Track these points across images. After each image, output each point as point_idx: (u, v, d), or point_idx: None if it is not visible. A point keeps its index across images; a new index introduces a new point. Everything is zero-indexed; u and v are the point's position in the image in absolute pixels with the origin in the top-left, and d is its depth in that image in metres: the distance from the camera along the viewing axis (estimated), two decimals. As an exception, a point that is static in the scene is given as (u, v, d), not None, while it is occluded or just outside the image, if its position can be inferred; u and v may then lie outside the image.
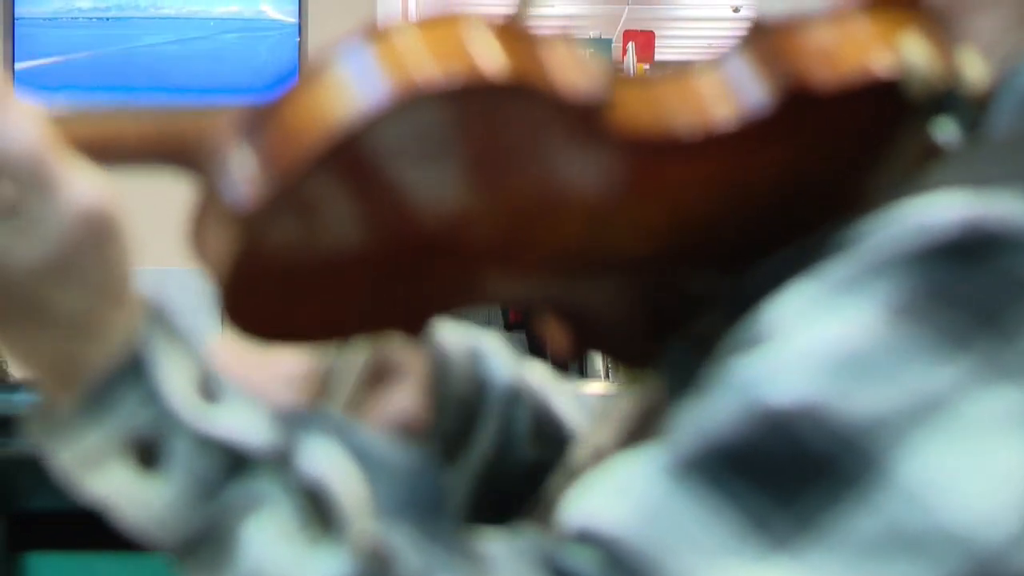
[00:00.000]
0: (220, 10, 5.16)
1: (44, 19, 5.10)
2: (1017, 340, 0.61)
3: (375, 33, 0.63)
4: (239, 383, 0.65)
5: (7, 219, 0.59)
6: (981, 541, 0.60)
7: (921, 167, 0.67)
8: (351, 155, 0.62)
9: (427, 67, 0.62)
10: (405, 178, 0.65)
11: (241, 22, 5.15)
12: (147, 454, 0.62)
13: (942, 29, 0.71)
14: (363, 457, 0.65)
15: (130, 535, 0.64)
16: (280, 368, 0.84)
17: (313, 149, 0.62)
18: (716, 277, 0.74)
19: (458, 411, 0.89)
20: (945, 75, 0.68)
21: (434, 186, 0.66)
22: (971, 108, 0.69)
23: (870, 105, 0.69)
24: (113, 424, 0.62)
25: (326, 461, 0.64)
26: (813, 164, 0.70)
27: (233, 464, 0.62)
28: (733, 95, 0.68)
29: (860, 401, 0.61)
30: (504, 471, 0.90)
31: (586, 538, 0.62)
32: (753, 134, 0.68)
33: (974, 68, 0.69)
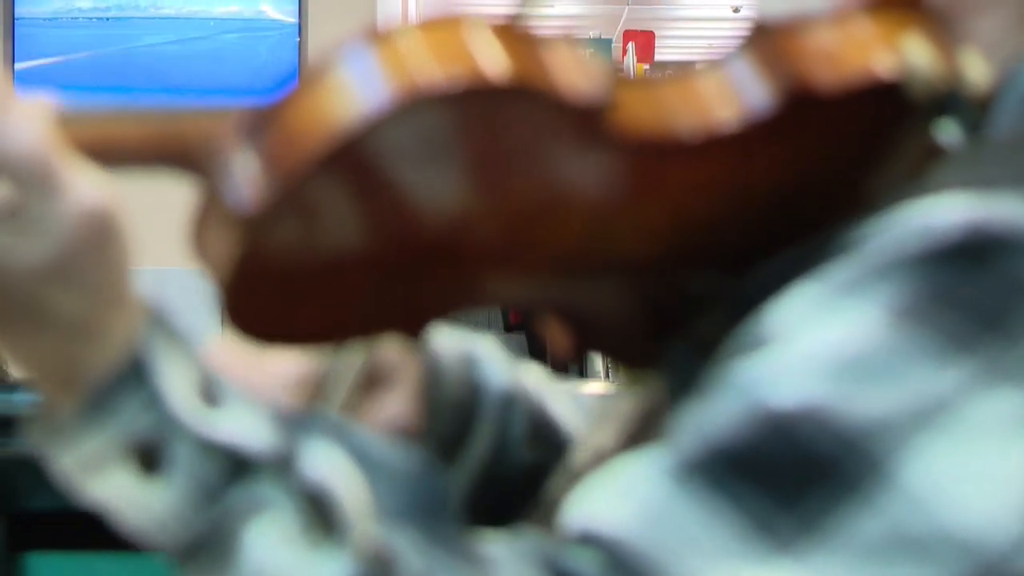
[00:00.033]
0: (220, 10, 5.16)
1: (44, 19, 5.10)
2: (1020, 343, 0.61)
3: (377, 36, 0.63)
4: (240, 386, 0.65)
5: (9, 219, 0.59)
6: (984, 544, 0.59)
7: (923, 168, 0.67)
8: (353, 158, 0.62)
9: (429, 70, 0.62)
10: (407, 180, 0.65)
11: (241, 22, 5.15)
12: (148, 458, 0.62)
13: (944, 30, 0.70)
14: (364, 460, 0.65)
15: (131, 537, 0.64)
16: (276, 371, 0.84)
17: (315, 152, 0.61)
18: (717, 278, 0.73)
19: (452, 416, 0.89)
20: (947, 76, 0.68)
21: (436, 188, 0.66)
22: (973, 109, 0.69)
23: (872, 106, 0.69)
24: (114, 429, 0.62)
25: (328, 464, 0.64)
26: (815, 165, 0.70)
27: (235, 468, 0.62)
28: (735, 96, 0.68)
29: (863, 404, 0.61)
30: (500, 475, 0.90)
31: (588, 540, 0.62)
32: (755, 135, 0.68)
33: (976, 69, 0.69)
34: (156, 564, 0.66)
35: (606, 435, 0.81)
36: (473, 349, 0.91)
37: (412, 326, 0.73)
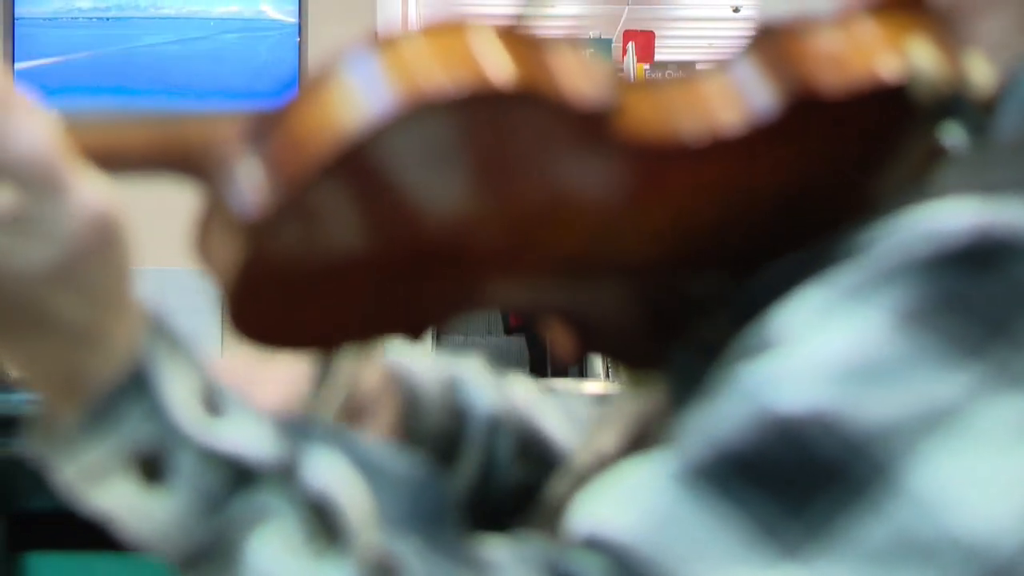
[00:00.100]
0: (220, 10, 5.16)
1: (44, 19, 5.10)
2: None
3: (381, 41, 0.63)
4: (242, 395, 0.65)
5: (14, 223, 0.58)
6: (991, 550, 0.59)
7: (927, 171, 0.67)
8: (358, 164, 0.62)
9: (434, 75, 0.61)
10: (411, 185, 0.65)
11: (241, 22, 5.15)
12: (151, 468, 0.62)
13: (948, 32, 0.70)
14: (367, 467, 0.65)
15: (133, 544, 0.63)
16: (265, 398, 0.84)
17: (320, 158, 0.61)
18: (721, 280, 0.73)
19: (434, 445, 0.89)
20: (951, 79, 0.68)
21: (440, 192, 0.66)
22: (977, 112, 0.69)
23: (877, 109, 0.69)
24: (117, 439, 0.61)
25: (331, 473, 0.63)
26: (819, 167, 0.70)
27: (238, 477, 0.62)
28: (740, 100, 0.68)
29: (870, 408, 0.60)
30: (488, 496, 0.90)
31: (594, 545, 0.62)
32: (760, 138, 0.68)
33: (980, 72, 0.69)
34: (156, 565, 0.66)
35: (608, 437, 0.81)
36: (457, 372, 0.91)
37: (414, 328, 0.73)
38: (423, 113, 0.61)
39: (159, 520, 0.62)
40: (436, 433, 0.89)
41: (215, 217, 0.64)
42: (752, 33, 0.70)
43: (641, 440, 0.78)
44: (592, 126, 0.65)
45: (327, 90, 0.62)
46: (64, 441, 0.62)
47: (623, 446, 0.79)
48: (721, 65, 0.70)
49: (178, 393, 0.62)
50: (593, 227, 0.70)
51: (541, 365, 8.26)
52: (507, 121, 0.64)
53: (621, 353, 0.81)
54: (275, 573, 0.61)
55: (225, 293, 0.65)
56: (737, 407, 0.62)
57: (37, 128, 0.58)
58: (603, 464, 0.78)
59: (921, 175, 0.67)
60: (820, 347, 0.62)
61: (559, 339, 0.79)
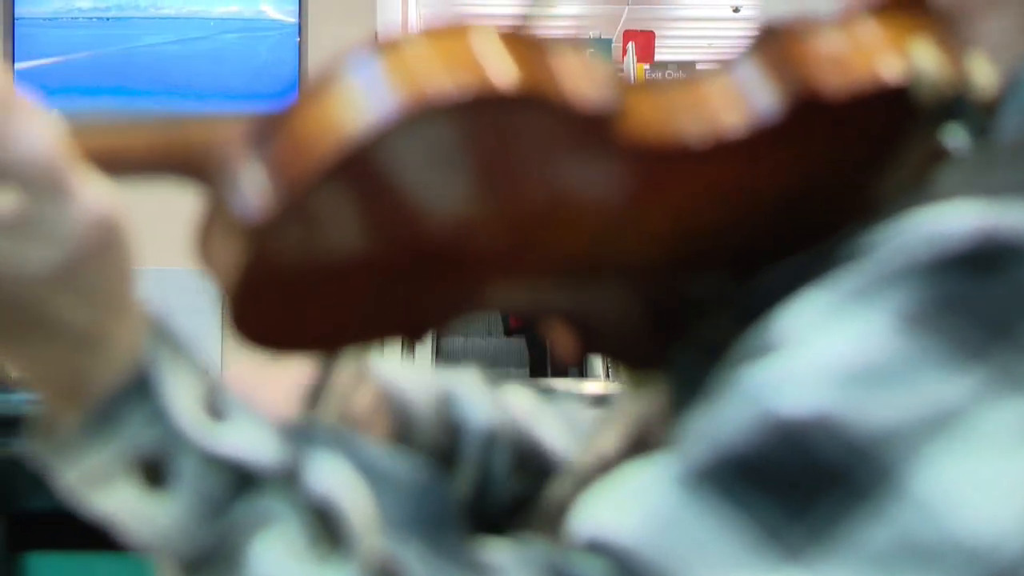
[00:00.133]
0: (220, 10, 5.16)
1: (44, 19, 5.10)
2: None
3: (384, 44, 0.63)
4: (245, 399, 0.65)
5: (18, 226, 0.58)
6: (994, 553, 0.59)
7: (929, 173, 0.67)
8: (361, 167, 0.62)
9: (437, 79, 0.61)
10: (414, 188, 0.65)
11: (241, 22, 5.15)
12: (153, 472, 0.61)
13: (951, 33, 0.70)
14: (369, 471, 0.65)
15: (135, 546, 0.63)
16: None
17: (323, 161, 0.61)
18: (723, 281, 0.73)
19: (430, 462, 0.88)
20: (954, 81, 0.68)
21: (442, 195, 0.66)
22: (979, 113, 0.68)
23: (879, 111, 0.69)
24: (119, 443, 0.61)
25: (334, 477, 0.63)
26: (821, 169, 0.70)
27: (240, 482, 0.62)
28: (743, 101, 0.68)
29: (873, 412, 0.60)
30: (485, 510, 0.89)
31: (596, 548, 0.62)
32: (762, 141, 0.68)
33: (983, 73, 0.69)
34: (157, 565, 0.66)
35: (609, 438, 0.81)
36: (452, 387, 0.91)
37: (415, 329, 0.73)
38: (426, 116, 0.61)
39: (161, 524, 0.62)
40: (430, 449, 0.89)
41: (217, 220, 0.64)
42: (754, 34, 0.70)
43: (642, 441, 0.78)
44: (595, 128, 0.65)
45: (330, 93, 0.62)
46: (66, 445, 0.62)
47: (624, 447, 0.79)
48: (723, 66, 0.70)
49: (181, 397, 0.62)
50: (595, 229, 0.70)
51: (541, 366, 8.27)
52: (510, 124, 0.64)
53: (622, 353, 0.81)
54: None
55: (227, 296, 0.65)
56: (740, 410, 0.62)
57: (40, 131, 0.58)
58: (604, 465, 0.78)
59: (923, 177, 0.66)
60: (823, 350, 0.62)
61: (560, 340, 0.79)
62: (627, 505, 0.63)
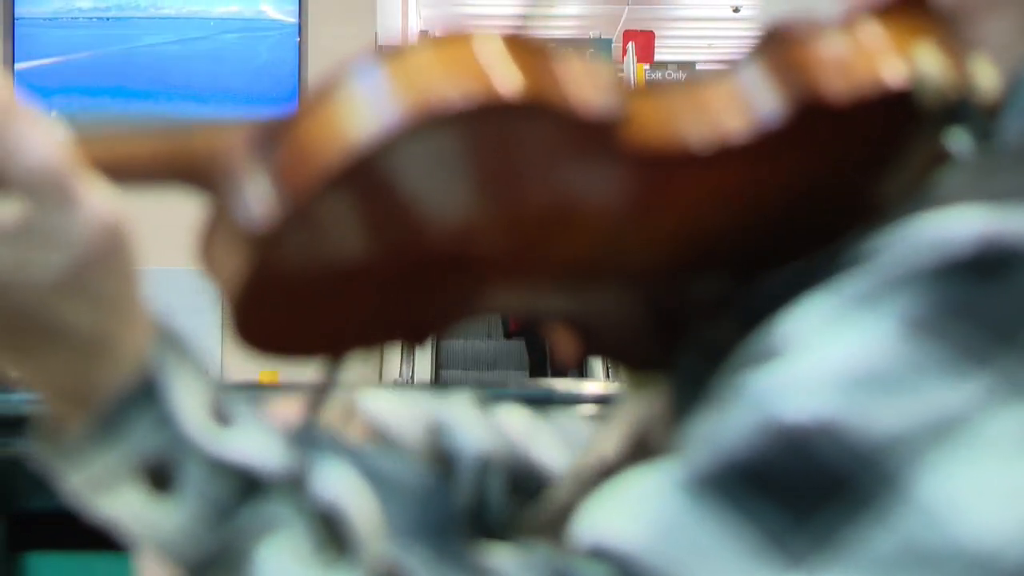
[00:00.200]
0: (220, 10, 5.16)
1: (44, 19, 5.11)
2: None
3: (388, 52, 0.63)
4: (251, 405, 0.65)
5: (24, 235, 0.58)
6: (997, 559, 0.59)
7: (933, 177, 0.66)
8: (365, 176, 0.62)
9: (442, 87, 0.61)
10: (418, 195, 0.64)
11: (241, 22, 5.15)
12: (159, 477, 0.61)
13: (954, 36, 0.70)
14: (375, 478, 0.65)
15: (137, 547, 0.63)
16: None
17: (327, 170, 0.61)
18: (726, 284, 0.73)
19: None
20: (958, 84, 0.68)
21: (446, 202, 0.66)
22: (982, 117, 0.68)
23: (883, 115, 0.68)
24: (125, 448, 0.61)
25: (340, 483, 0.63)
26: (824, 173, 0.70)
27: (247, 487, 0.62)
28: (747, 107, 0.68)
29: (877, 418, 0.60)
30: (480, 532, 0.89)
31: (599, 554, 0.62)
32: (766, 145, 0.68)
33: (986, 76, 0.69)
34: (157, 565, 0.66)
35: (610, 440, 0.81)
36: (443, 417, 0.90)
37: (416, 333, 0.73)
38: (431, 125, 0.61)
39: (167, 529, 0.62)
40: None
41: (220, 227, 0.63)
42: (758, 37, 0.70)
43: (643, 443, 0.78)
44: (599, 135, 0.65)
45: (334, 101, 0.62)
46: (71, 449, 0.61)
47: (624, 449, 0.79)
48: (726, 70, 0.70)
49: (187, 402, 0.62)
50: (599, 233, 0.70)
51: (541, 368, 8.27)
52: (514, 131, 0.64)
53: (623, 355, 0.81)
54: None
55: (229, 302, 0.64)
56: (743, 416, 0.62)
57: (44, 139, 0.58)
58: (605, 468, 0.78)
59: (926, 181, 0.66)
60: (826, 355, 0.62)
61: (561, 341, 0.79)
62: (630, 511, 0.63)
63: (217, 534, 0.62)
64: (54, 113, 0.61)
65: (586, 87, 0.64)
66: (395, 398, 0.90)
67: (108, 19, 5.08)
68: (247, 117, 0.65)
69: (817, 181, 0.70)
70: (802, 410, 0.61)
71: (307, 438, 0.65)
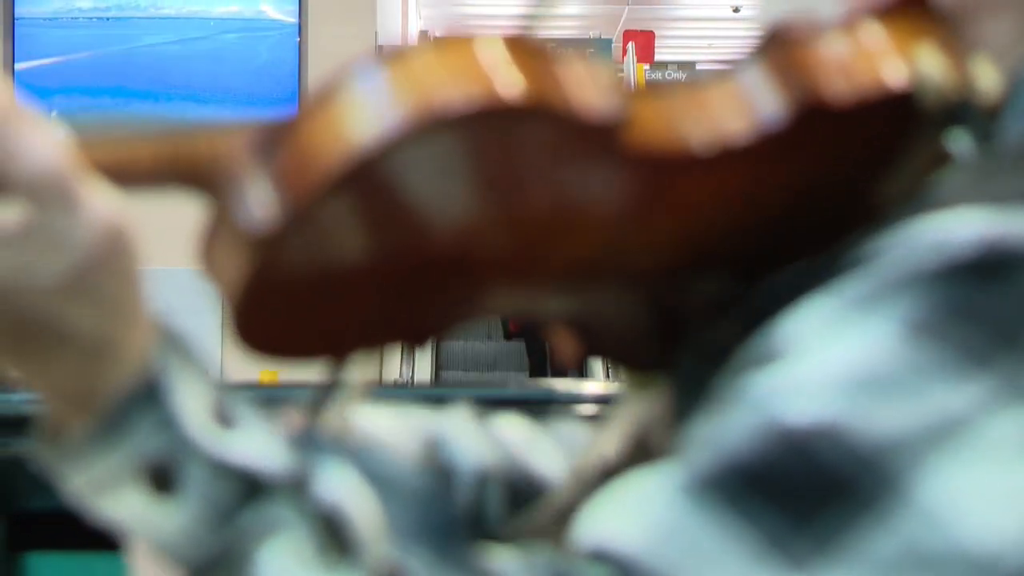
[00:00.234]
0: (220, 10, 5.16)
1: (44, 19, 5.11)
2: None
3: (390, 55, 0.63)
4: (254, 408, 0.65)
5: (27, 239, 0.58)
6: (999, 562, 0.59)
7: (934, 178, 0.66)
8: (367, 179, 0.62)
9: (444, 90, 0.61)
10: (420, 199, 0.64)
11: (241, 22, 5.16)
12: (161, 479, 0.61)
13: (956, 37, 0.70)
14: (377, 480, 0.65)
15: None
16: None
17: (329, 173, 0.61)
18: (727, 284, 0.73)
19: None
20: (959, 86, 0.68)
21: (448, 206, 0.65)
22: (983, 118, 0.68)
23: (884, 117, 0.68)
24: (127, 449, 0.61)
25: (342, 486, 0.63)
26: (826, 175, 0.70)
27: (249, 489, 0.62)
28: (748, 108, 0.68)
29: (879, 421, 0.60)
30: (479, 542, 0.89)
31: (600, 557, 0.62)
32: (767, 147, 0.68)
33: (987, 77, 0.69)
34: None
35: (611, 440, 0.81)
36: (440, 431, 0.90)
37: (417, 335, 0.73)
38: (432, 128, 0.61)
39: (169, 531, 0.62)
40: None
41: (221, 230, 0.63)
42: (759, 39, 0.70)
43: (643, 444, 0.78)
44: (601, 138, 0.64)
45: (335, 104, 0.62)
46: (74, 451, 0.61)
47: (625, 449, 0.79)
48: (727, 72, 0.70)
49: (190, 404, 0.62)
50: (601, 236, 0.70)
51: (541, 369, 8.27)
52: (516, 134, 0.63)
53: (624, 356, 0.81)
54: None
55: (230, 305, 0.64)
56: (744, 418, 0.62)
57: (46, 142, 0.58)
58: (606, 469, 0.78)
59: (927, 182, 0.66)
60: (828, 358, 0.62)
61: (561, 342, 0.79)
62: (631, 514, 0.63)
63: (219, 536, 0.62)
64: (54, 114, 0.61)
65: (588, 90, 0.64)
66: (390, 414, 0.90)
67: (108, 19, 5.09)
68: (248, 119, 0.65)
69: (818, 182, 0.70)
70: (803, 413, 0.61)
71: (309, 440, 0.65)
